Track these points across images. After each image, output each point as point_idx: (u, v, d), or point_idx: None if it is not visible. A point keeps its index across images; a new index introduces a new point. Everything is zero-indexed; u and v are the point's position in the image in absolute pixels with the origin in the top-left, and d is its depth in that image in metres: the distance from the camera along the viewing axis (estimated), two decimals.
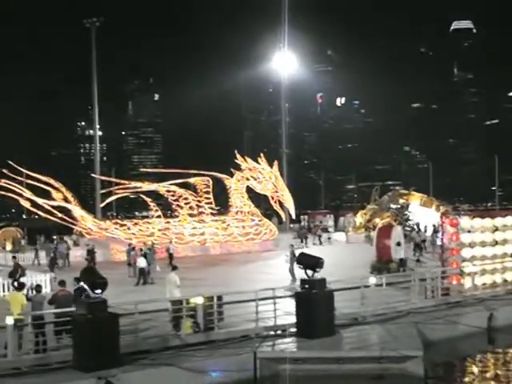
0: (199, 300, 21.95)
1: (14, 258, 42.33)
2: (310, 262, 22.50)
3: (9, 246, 72.85)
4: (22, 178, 62.79)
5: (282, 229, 73.35)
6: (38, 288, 22.15)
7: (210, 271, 45.52)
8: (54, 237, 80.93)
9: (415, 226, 67.43)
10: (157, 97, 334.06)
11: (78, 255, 56.08)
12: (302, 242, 66.36)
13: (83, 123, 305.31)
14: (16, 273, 35.61)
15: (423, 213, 73.14)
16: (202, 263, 50.54)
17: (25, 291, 23.41)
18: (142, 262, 39.60)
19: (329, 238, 73.08)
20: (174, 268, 26.56)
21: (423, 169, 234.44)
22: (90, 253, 50.01)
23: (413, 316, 25.47)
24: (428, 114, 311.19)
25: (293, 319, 22.87)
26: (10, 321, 18.78)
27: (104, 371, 17.60)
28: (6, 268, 43.03)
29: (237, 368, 19.25)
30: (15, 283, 23.97)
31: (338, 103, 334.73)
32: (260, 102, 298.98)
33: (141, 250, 44.37)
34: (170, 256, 48.87)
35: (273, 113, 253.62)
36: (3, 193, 59.09)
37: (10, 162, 60.71)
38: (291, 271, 37.27)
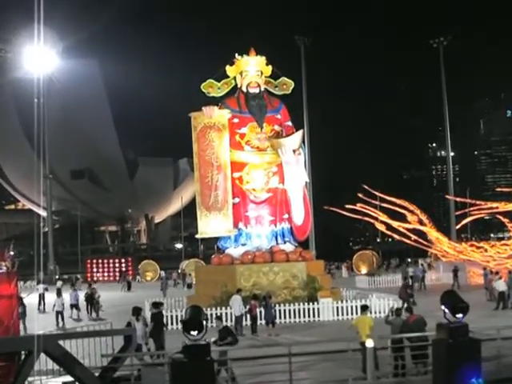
0: None
1: None
2: None
3: (364, 269, 75.18)
4: (376, 202, 64.43)
5: None
6: (398, 312, 22.27)
7: None
8: (409, 259, 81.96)
9: None
10: (509, 113, 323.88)
11: (432, 278, 56.03)
12: None
13: (434, 144, 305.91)
14: None
15: None
16: None
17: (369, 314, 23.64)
18: (501, 286, 38.23)
19: None
20: None
21: None
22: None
23: None
24: None
25: None
26: (370, 344, 18.92)
27: None
28: (362, 291, 43.95)
29: None
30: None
31: None
32: None
33: (497, 273, 42.86)
34: None
35: None
36: (360, 217, 61.16)
37: (365, 186, 62.70)
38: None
